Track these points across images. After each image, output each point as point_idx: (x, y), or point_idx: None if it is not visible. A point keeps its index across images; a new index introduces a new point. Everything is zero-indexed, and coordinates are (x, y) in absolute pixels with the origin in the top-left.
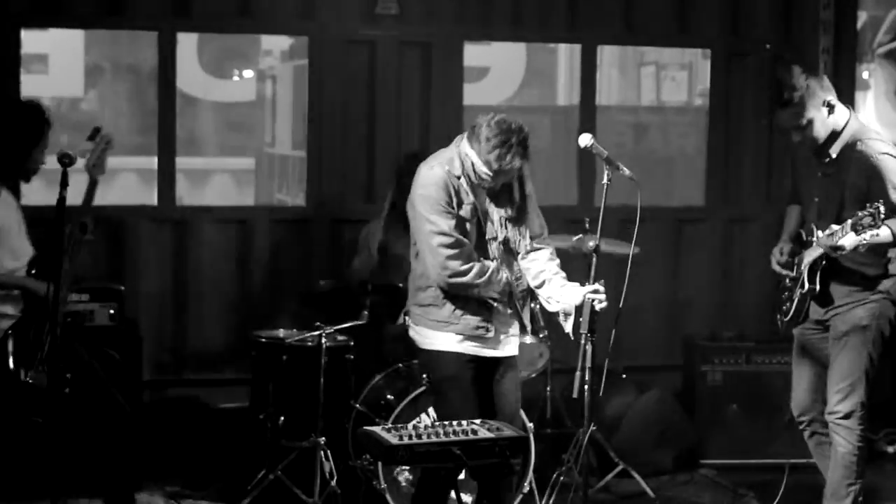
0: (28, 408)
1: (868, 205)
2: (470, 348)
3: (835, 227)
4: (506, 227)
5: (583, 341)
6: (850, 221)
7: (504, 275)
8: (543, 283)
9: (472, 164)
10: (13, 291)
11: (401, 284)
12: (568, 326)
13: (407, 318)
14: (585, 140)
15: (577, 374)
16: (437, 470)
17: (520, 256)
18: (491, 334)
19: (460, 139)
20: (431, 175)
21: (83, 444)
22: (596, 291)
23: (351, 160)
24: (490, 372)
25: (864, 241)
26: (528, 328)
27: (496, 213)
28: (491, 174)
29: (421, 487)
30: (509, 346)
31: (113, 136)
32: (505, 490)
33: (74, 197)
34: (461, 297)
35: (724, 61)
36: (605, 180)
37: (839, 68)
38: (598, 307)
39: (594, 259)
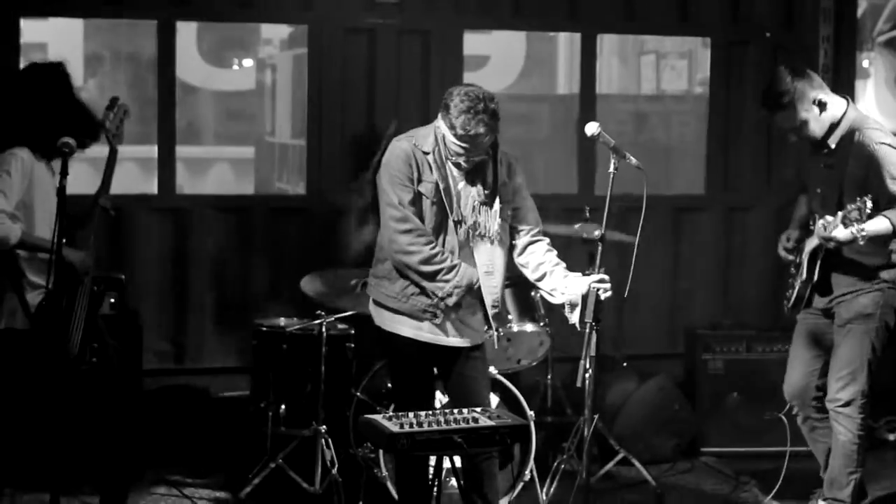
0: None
1: (858, 198)
2: (422, 335)
3: (829, 218)
4: (477, 211)
5: (587, 330)
6: (840, 214)
7: (456, 280)
8: (544, 275)
9: (444, 137)
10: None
11: None
12: (574, 317)
13: (365, 288)
14: (592, 128)
15: (581, 363)
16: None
17: (515, 252)
18: (438, 320)
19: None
20: (397, 147)
21: (85, 429)
22: (601, 281)
23: (351, 149)
24: (450, 361)
25: (864, 234)
26: (493, 326)
27: (468, 196)
28: (460, 144)
29: (399, 474)
30: (467, 335)
31: (129, 105)
32: (488, 474)
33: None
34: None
35: (725, 50)
36: (611, 169)
37: (839, 57)
38: (602, 297)
39: (600, 248)
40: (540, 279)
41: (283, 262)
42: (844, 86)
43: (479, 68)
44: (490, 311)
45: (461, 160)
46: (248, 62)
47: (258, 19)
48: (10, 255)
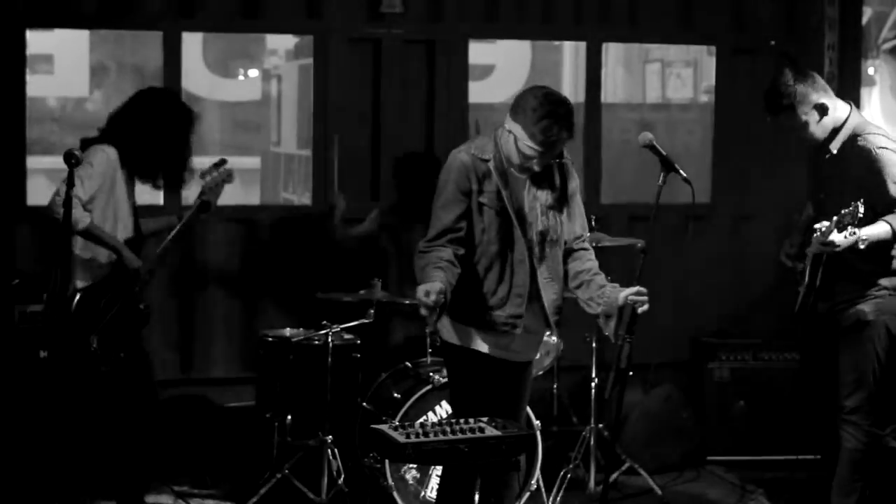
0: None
1: (852, 202)
2: (493, 350)
3: (825, 223)
4: (546, 216)
5: (620, 343)
6: (834, 219)
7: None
8: (582, 283)
9: (516, 140)
10: (101, 259)
11: None
12: (609, 329)
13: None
14: (646, 138)
15: (612, 374)
16: (457, 473)
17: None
18: (519, 330)
19: (503, 124)
20: (456, 160)
21: (104, 438)
22: (639, 294)
23: (356, 159)
24: (513, 375)
25: (864, 239)
26: (554, 332)
27: (535, 201)
28: (537, 148)
29: (442, 492)
30: (532, 349)
31: (234, 172)
32: (508, 486)
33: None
34: (490, 291)
35: (730, 58)
36: (660, 182)
37: (844, 64)
38: (639, 310)
39: (641, 260)
40: (577, 287)
41: (289, 272)
42: (849, 93)
43: (484, 77)
44: (552, 319)
45: (532, 164)
46: (253, 73)
47: (263, 30)
48: (67, 244)
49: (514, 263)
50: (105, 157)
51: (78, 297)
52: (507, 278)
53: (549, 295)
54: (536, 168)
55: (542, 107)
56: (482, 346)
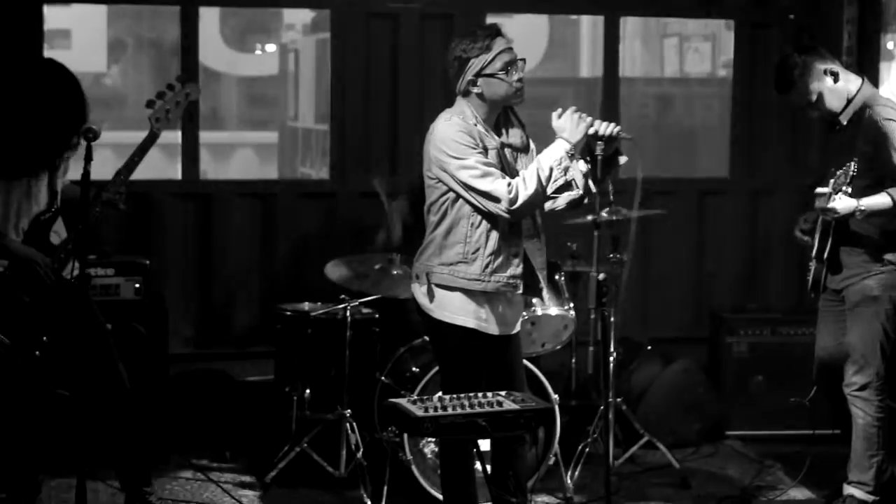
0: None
1: (846, 164)
2: (485, 325)
3: (824, 190)
4: (518, 164)
5: (593, 316)
6: (831, 182)
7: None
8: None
9: (502, 90)
10: None
11: None
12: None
13: (427, 278)
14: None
15: (591, 349)
16: (455, 443)
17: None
18: (520, 291)
19: (459, 98)
20: (453, 124)
21: (76, 418)
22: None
23: (374, 133)
24: (501, 349)
25: (861, 209)
26: (545, 288)
27: (511, 156)
28: (517, 77)
29: (444, 462)
30: (518, 317)
31: (198, 92)
32: (520, 460)
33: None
34: (492, 253)
35: (748, 32)
36: (598, 152)
37: (863, 39)
38: (609, 131)
39: (595, 234)
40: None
41: (307, 246)
42: (868, 68)
43: None
44: (541, 273)
45: (519, 95)
46: (270, 47)
47: (281, 4)
48: None
49: (509, 223)
50: None
51: None
52: (506, 239)
53: (539, 251)
54: (519, 99)
55: (483, 39)
56: (472, 323)
